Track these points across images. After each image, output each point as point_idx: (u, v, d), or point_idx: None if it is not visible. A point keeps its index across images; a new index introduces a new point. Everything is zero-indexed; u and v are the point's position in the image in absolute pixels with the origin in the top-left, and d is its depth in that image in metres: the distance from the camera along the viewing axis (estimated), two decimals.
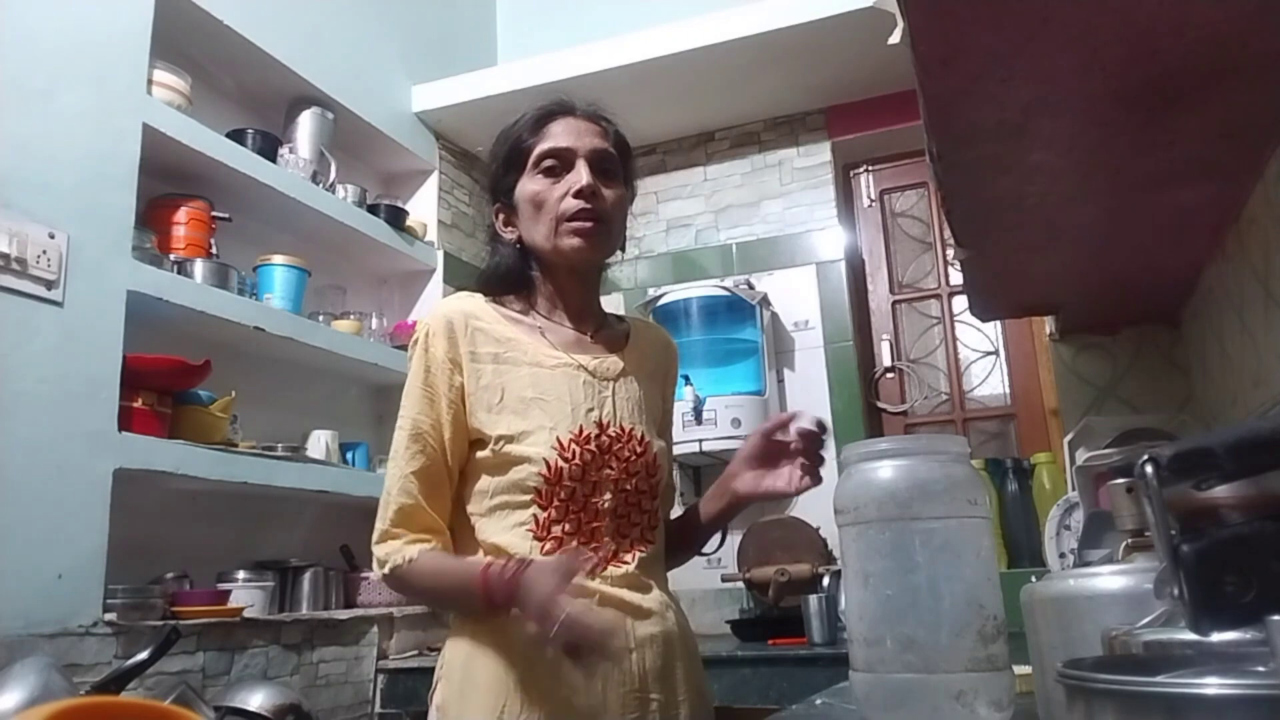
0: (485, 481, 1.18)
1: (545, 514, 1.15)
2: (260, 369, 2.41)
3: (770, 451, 1.25)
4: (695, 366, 2.79)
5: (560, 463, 1.15)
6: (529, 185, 1.23)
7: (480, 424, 1.17)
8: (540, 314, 1.27)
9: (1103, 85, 0.95)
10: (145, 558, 2.00)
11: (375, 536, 1.17)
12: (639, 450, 1.22)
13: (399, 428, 1.19)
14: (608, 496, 1.18)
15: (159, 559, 2.05)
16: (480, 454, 1.18)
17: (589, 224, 1.20)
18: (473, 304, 1.24)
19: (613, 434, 1.21)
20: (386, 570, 1.15)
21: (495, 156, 1.30)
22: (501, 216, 1.28)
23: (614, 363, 1.27)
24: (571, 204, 1.20)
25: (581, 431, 1.18)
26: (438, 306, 1.24)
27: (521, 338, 1.23)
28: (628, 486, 1.20)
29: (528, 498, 1.15)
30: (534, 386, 1.19)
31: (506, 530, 1.16)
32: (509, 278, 1.27)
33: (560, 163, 1.22)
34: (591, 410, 1.20)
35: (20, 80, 1.78)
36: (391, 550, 1.14)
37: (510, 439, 1.16)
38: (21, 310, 1.71)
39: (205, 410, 2.06)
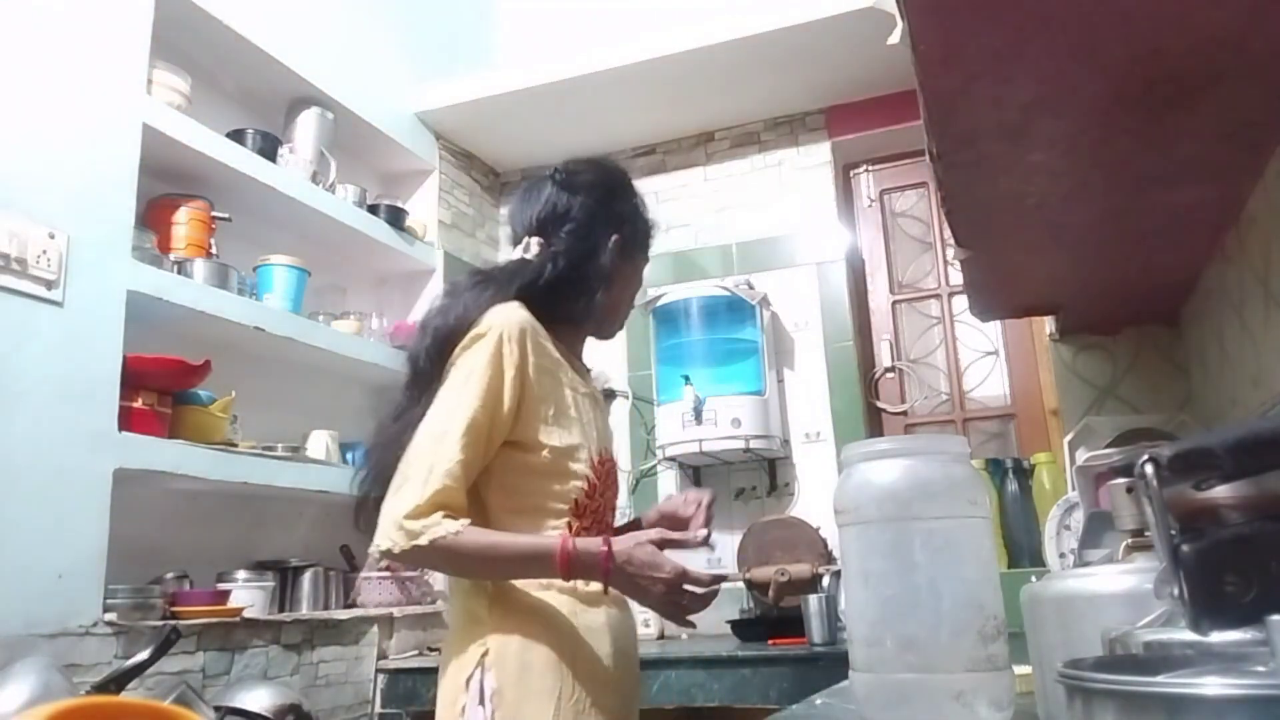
0: (527, 481, 1.25)
1: (578, 524, 1.26)
2: (260, 369, 2.41)
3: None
4: (695, 366, 2.79)
5: (595, 480, 1.28)
6: (638, 275, 1.44)
7: (534, 431, 1.24)
8: (563, 344, 1.34)
9: (1103, 85, 0.95)
10: (145, 558, 2.00)
11: (406, 508, 1.14)
12: (618, 476, 1.41)
13: (453, 412, 1.19)
14: (612, 515, 1.35)
15: (159, 559, 2.05)
16: (530, 457, 1.25)
17: None
18: (531, 319, 1.27)
19: (610, 459, 1.35)
20: (424, 541, 1.13)
21: (633, 207, 1.42)
22: (617, 246, 1.36)
23: (598, 395, 1.41)
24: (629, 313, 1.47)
25: (600, 455, 1.31)
26: (509, 313, 1.26)
27: (561, 360, 1.32)
28: (616, 505, 1.38)
29: (566, 507, 1.25)
30: (575, 407, 1.30)
31: (537, 531, 1.24)
32: (575, 304, 1.35)
33: None
34: (602, 436, 1.34)
35: (20, 80, 1.78)
36: (430, 524, 1.14)
37: (563, 452, 1.26)
38: (21, 310, 1.71)
39: (205, 410, 2.06)
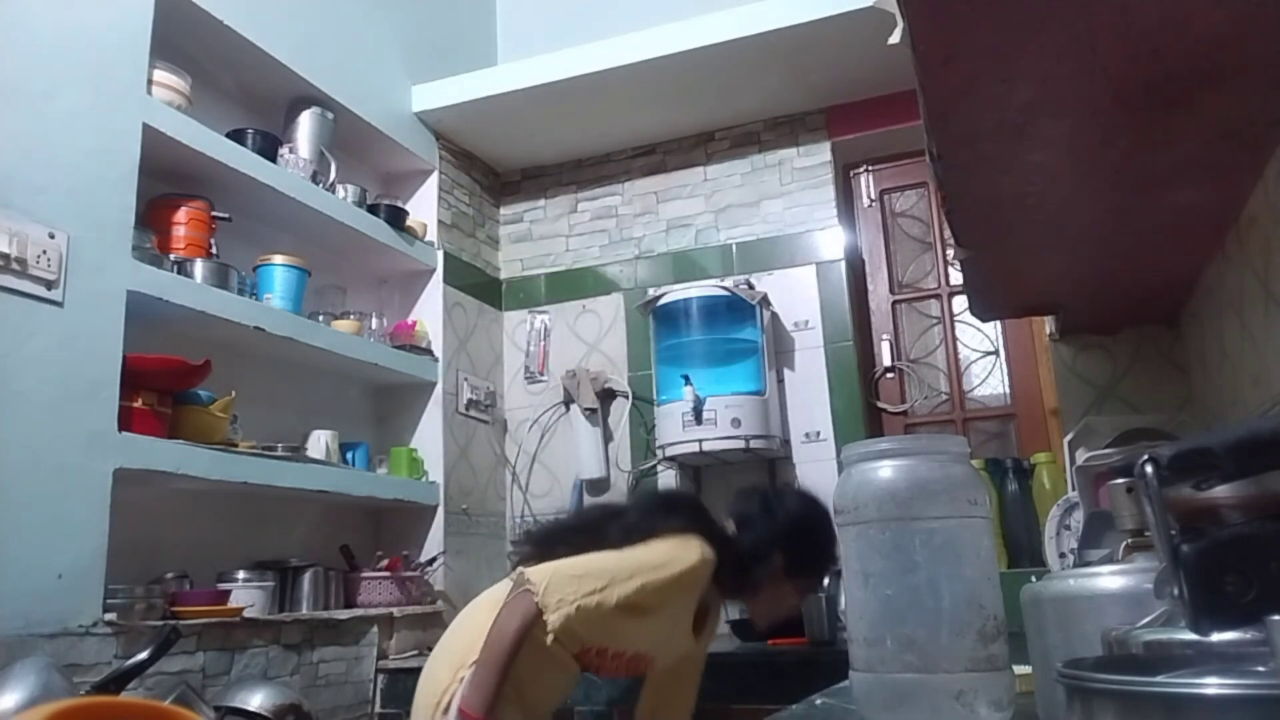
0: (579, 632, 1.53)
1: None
2: (260, 369, 2.41)
3: None
4: (695, 366, 2.79)
5: (592, 663, 1.63)
6: (790, 593, 1.72)
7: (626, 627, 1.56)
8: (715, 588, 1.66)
9: (1103, 85, 0.95)
10: (145, 558, 2.00)
11: (565, 593, 1.45)
12: (636, 665, 1.71)
13: (632, 582, 1.48)
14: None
15: (159, 559, 2.05)
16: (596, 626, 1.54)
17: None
18: (711, 572, 1.58)
19: (643, 656, 1.68)
20: (550, 615, 1.44)
21: (813, 543, 1.65)
22: (776, 563, 1.65)
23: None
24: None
25: (629, 650, 1.65)
26: (709, 563, 1.56)
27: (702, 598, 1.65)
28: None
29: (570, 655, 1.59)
30: (660, 621, 1.59)
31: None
32: (733, 585, 1.67)
33: None
34: (658, 644, 1.67)
35: (20, 80, 1.78)
36: (559, 617, 1.45)
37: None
38: (21, 310, 1.71)
39: (205, 410, 2.06)
